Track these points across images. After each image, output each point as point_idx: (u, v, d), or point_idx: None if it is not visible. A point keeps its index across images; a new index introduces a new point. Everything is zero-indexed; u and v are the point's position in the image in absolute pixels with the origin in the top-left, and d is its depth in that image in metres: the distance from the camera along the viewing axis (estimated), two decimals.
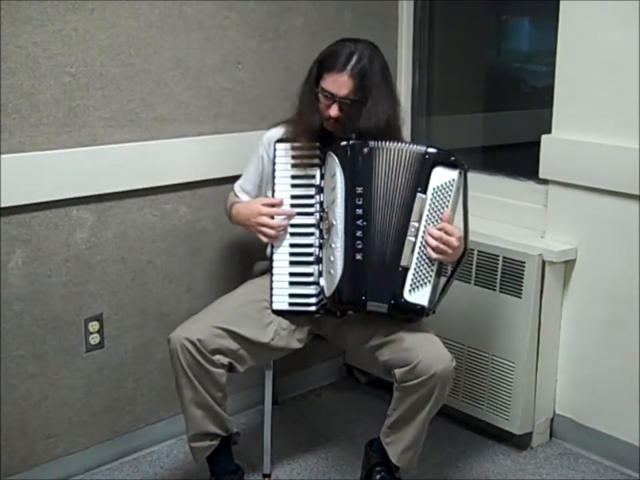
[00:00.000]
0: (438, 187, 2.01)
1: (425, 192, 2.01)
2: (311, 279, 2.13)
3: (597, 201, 2.42)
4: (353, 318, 2.16)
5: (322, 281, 2.11)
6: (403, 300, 2.01)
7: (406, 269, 2.01)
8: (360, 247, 2.03)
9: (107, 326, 2.42)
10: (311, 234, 2.14)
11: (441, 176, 2.02)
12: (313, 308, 2.14)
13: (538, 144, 2.52)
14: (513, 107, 3.33)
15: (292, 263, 2.15)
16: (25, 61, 2.12)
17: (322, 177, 2.12)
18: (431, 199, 2.01)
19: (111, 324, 2.43)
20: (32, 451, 2.33)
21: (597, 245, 2.45)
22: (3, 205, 2.13)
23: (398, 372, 2.03)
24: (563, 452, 2.59)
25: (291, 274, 2.15)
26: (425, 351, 2.01)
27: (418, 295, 2.02)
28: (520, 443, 2.60)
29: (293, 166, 2.15)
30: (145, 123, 2.39)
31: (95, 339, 2.40)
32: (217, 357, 2.06)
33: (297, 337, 2.20)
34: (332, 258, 2.06)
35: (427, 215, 2.01)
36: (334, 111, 2.07)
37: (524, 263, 2.44)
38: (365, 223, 2.03)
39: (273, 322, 2.15)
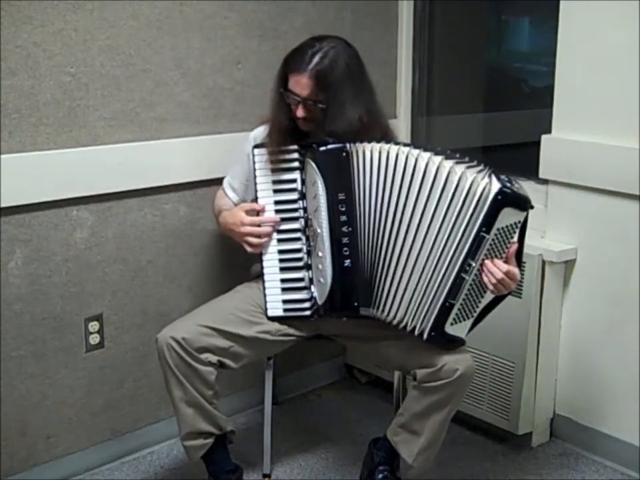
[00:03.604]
0: (503, 228, 1.87)
1: (488, 232, 1.85)
2: (302, 284, 2.13)
3: (596, 201, 2.42)
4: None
5: (313, 289, 2.10)
6: (442, 332, 1.95)
7: (452, 305, 1.92)
8: (347, 253, 2.01)
9: (107, 326, 2.42)
10: (298, 239, 2.13)
11: (509, 217, 1.86)
12: (307, 313, 2.13)
13: (538, 144, 2.52)
14: (513, 107, 3.33)
15: (282, 269, 2.14)
16: (25, 61, 2.12)
17: (303, 182, 2.10)
18: (493, 239, 1.87)
19: (111, 324, 2.43)
20: (32, 451, 2.33)
21: (597, 245, 2.45)
22: (3, 205, 2.13)
23: (420, 372, 2.01)
24: (563, 452, 2.59)
25: (282, 280, 2.14)
26: (448, 353, 1.99)
27: (459, 328, 1.97)
28: (520, 442, 2.60)
29: (273, 171, 2.13)
30: (145, 123, 2.39)
31: (94, 339, 2.40)
32: (205, 355, 2.05)
33: (294, 334, 2.20)
34: (320, 266, 2.05)
35: (485, 254, 1.88)
36: (300, 112, 2.05)
37: (524, 263, 2.44)
38: (350, 229, 2.00)
39: (267, 323, 2.15)
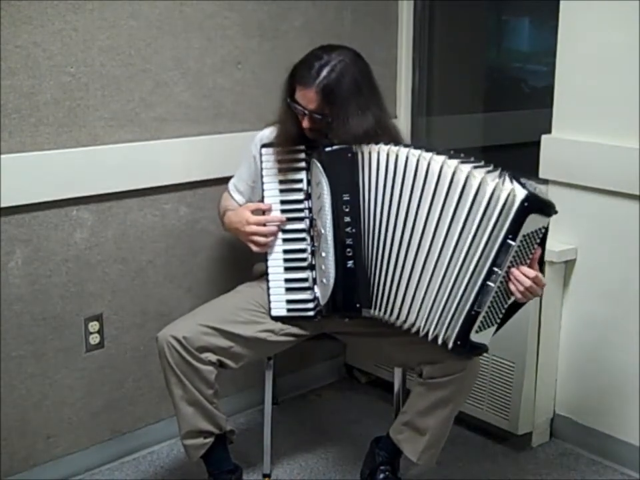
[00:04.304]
0: (528, 234, 1.84)
1: (514, 239, 1.81)
2: (306, 284, 2.13)
3: (596, 201, 2.42)
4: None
5: (316, 289, 2.10)
6: (468, 341, 1.92)
7: (478, 313, 1.89)
8: (350, 254, 2.00)
9: (106, 326, 2.42)
10: (303, 239, 2.13)
11: (534, 223, 1.83)
12: (310, 313, 2.13)
13: (538, 144, 2.52)
14: (513, 107, 3.33)
15: (287, 269, 2.14)
16: (25, 61, 2.12)
17: (308, 182, 2.10)
18: (519, 246, 1.83)
19: (111, 324, 2.43)
20: (32, 451, 2.34)
21: (597, 245, 2.45)
22: (3, 205, 2.13)
23: (426, 368, 2.02)
24: (563, 452, 2.59)
25: (287, 280, 2.14)
26: None
27: (483, 335, 1.93)
28: (520, 442, 2.60)
29: (280, 171, 2.12)
30: (145, 123, 2.39)
31: (95, 339, 2.40)
32: (205, 355, 2.06)
33: (298, 333, 2.20)
34: (323, 267, 2.05)
35: (511, 261, 1.85)
36: (306, 123, 2.03)
37: None
38: (354, 230, 1.99)
39: (270, 322, 2.15)
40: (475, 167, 1.85)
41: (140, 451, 2.58)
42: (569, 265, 2.52)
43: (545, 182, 2.56)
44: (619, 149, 2.32)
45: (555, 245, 2.49)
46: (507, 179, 1.83)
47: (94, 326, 2.39)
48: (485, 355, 2.54)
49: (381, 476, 2.20)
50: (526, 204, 1.80)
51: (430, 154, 1.90)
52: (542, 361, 2.53)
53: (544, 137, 2.51)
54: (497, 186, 1.82)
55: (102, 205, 2.35)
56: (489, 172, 1.85)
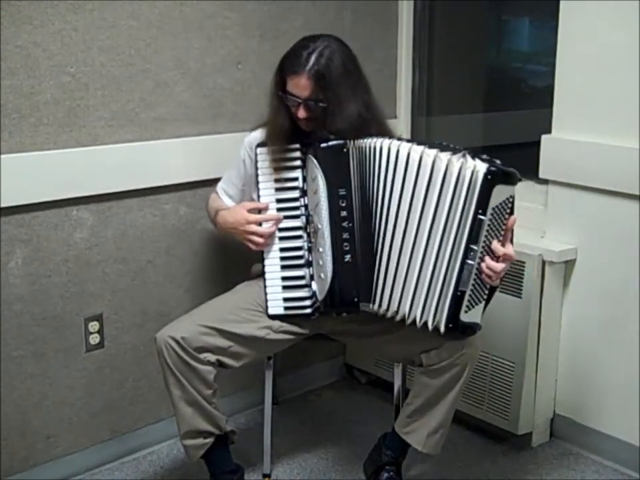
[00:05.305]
0: (497, 206, 1.88)
1: (484, 214, 1.86)
2: (303, 282, 2.13)
3: (596, 201, 2.42)
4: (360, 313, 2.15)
5: (314, 285, 2.11)
6: (459, 322, 1.94)
7: (464, 292, 1.92)
8: (347, 248, 2.02)
9: (107, 326, 2.42)
10: (300, 237, 2.13)
11: (501, 194, 1.87)
12: (308, 310, 2.14)
13: (538, 144, 2.52)
14: (513, 107, 3.33)
15: (283, 267, 2.14)
16: (25, 61, 2.12)
17: (304, 179, 2.11)
18: (490, 219, 1.88)
19: (111, 324, 2.43)
20: (32, 451, 2.34)
21: (597, 245, 2.45)
22: (2, 205, 2.13)
23: (426, 356, 2.04)
24: (563, 452, 2.59)
25: (284, 278, 2.14)
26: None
27: (473, 314, 1.95)
28: (520, 442, 2.60)
29: (275, 169, 2.13)
30: (145, 123, 2.39)
31: (95, 339, 2.40)
32: (204, 355, 2.06)
33: (296, 332, 2.20)
34: (321, 262, 2.06)
35: (486, 236, 1.89)
36: (301, 113, 2.05)
37: (524, 263, 2.44)
38: (350, 225, 2.02)
39: (268, 321, 2.15)
40: (442, 151, 1.91)
41: (140, 450, 2.58)
42: (569, 264, 2.52)
43: (545, 182, 2.56)
44: (619, 149, 2.32)
45: (555, 245, 2.49)
46: (469, 157, 1.89)
47: (94, 326, 2.39)
48: (485, 355, 2.56)
49: (385, 475, 2.21)
50: (489, 177, 1.85)
51: (399, 142, 1.97)
52: (542, 361, 2.53)
53: (544, 137, 2.51)
54: (462, 165, 1.88)
55: (102, 204, 2.35)
56: (454, 153, 1.91)
